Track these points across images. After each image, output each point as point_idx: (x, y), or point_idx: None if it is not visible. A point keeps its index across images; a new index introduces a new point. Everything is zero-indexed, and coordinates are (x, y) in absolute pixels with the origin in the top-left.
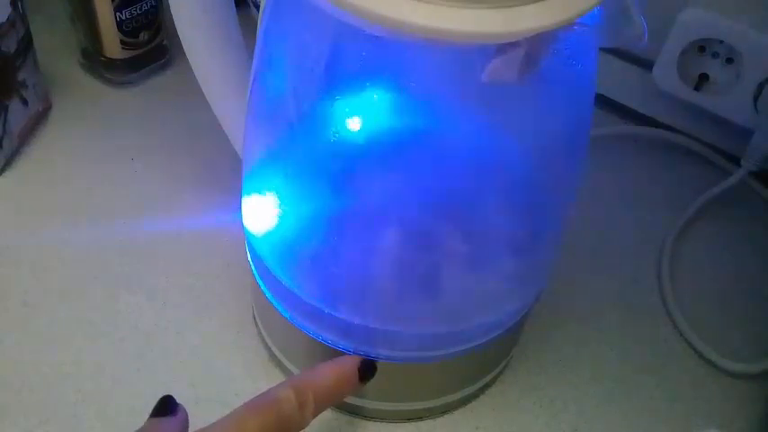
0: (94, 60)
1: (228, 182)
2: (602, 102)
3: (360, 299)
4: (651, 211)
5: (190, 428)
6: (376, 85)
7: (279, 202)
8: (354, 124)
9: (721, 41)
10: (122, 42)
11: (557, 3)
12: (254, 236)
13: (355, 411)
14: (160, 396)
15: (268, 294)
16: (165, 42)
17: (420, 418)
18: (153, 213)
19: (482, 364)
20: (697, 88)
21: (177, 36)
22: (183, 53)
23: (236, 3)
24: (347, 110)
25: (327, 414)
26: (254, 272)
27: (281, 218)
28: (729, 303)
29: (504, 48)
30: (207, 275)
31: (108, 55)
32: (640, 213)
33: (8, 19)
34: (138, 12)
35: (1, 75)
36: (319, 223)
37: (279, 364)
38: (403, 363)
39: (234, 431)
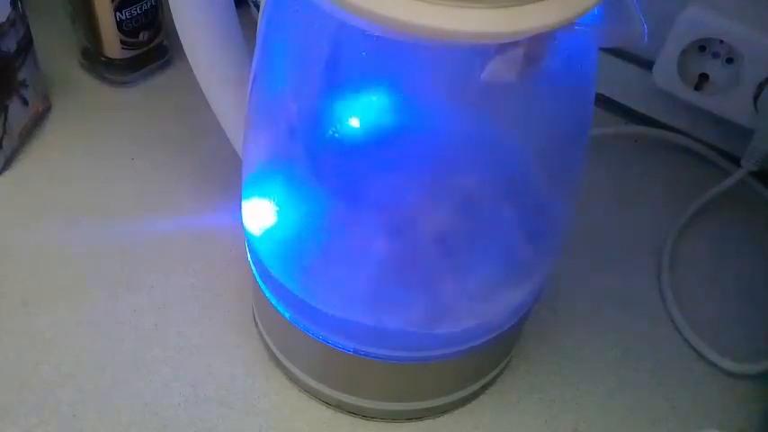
0: (94, 60)
1: (228, 182)
2: (602, 102)
3: (360, 299)
4: (651, 211)
5: (189, 429)
6: (376, 85)
7: (279, 202)
8: (354, 124)
9: (721, 41)
10: (122, 42)
11: (557, 3)
12: (254, 236)
13: (355, 411)
14: (160, 396)
15: (268, 294)
16: (165, 42)
17: (420, 418)
18: (153, 213)
19: (482, 364)
20: (697, 88)
21: (177, 36)
22: (183, 53)
23: (236, 3)
24: (347, 110)
25: (327, 414)
26: (254, 272)
27: (281, 218)
28: (729, 303)
29: (504, 48)
30: (207, 275)
31: (108, 55)
32: (640, 213)
33: (8, 19)
34: (138, 12)
35: (1, 75)
36: (319, 223)
37: (279, 364)
38: (403, 363)
39: None
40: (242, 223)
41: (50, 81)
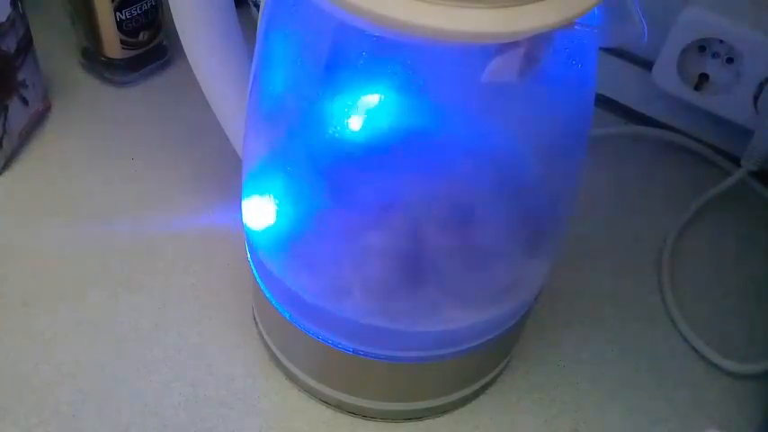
0: (94, 60)
1: (229, 182)
2: (602, 102)
3: (360, 298)
4: (651, 210)
5: (189, 429)
6: (376, 84)
7: (279, 201)
8: (354, 124)
9: (721, 41)
10: (122, 42)
11: (557, 3)
12: (254, 235)
13: (355, 411)
14: (160, 396)
15: (268, 294)
16: (164, 42)
17: (420, 418)
18: (153, 213)
19: (482, 364)
20: (697, 88)
21: (177, 36)
22: (183, 53)
23: (236, 3)
24: (347, 109)
25: (327, 414)
26: (254, 272)
27: (281, 218)
28: (729, 303)
29: (504, 47)
30: (207, 275)
31: (108, 55)
32: (640, 213)
33: (8, 19)
34: (138, 12)
35: (1, 75)
36: (319, 223)
37: (279, 364)
38: (403, 363)
39: None
40: (242, 223)
41: (50, 81)
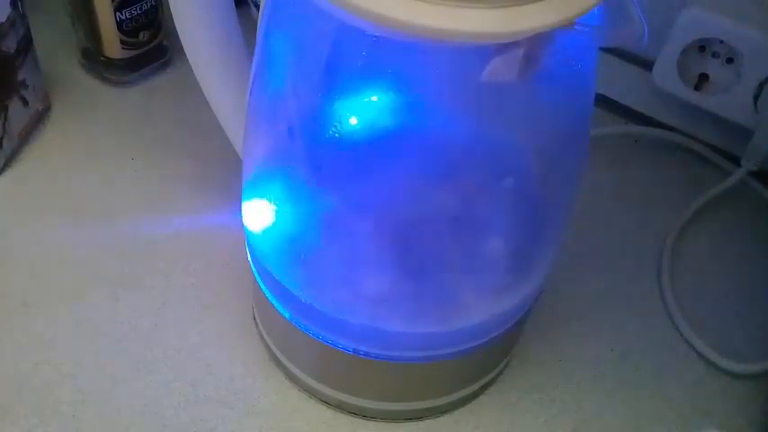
0: (94, 60)
1: (228, 182)
2: (602, 102)
3: (360, 299)
4: (651, 211)
5: (189, 429)
6: (376, 84)
7: (279, 202)
8: (354, 124)
9: (721, 41)
10: (122, 42)
11: (557, 3)
12: (254, 236)
13: (355, 411)
14: (160, 396)
15: (268, 294)
16: (165, 42)
17: (420, 418)
18: (153, 213)
19: (482, 364)
20: (697, 88)
21: (177, 36)
22: (183, 53)
23: (236, 3)
24: (347, 110)
25: (327, 414)
26: (254, 272)
27: (281, 218)
28: (730, 303)
29: (503, 47)
30: (207, 275)
31: (108, 55)
32: (640, 213)
33: (8, 19)
34: (138, 12)
35: (1, 75)
36: (319, 223)
37: (279, 364)
38: (403, 363)
39: None
40: (242, 223)
41: (50, 81)
